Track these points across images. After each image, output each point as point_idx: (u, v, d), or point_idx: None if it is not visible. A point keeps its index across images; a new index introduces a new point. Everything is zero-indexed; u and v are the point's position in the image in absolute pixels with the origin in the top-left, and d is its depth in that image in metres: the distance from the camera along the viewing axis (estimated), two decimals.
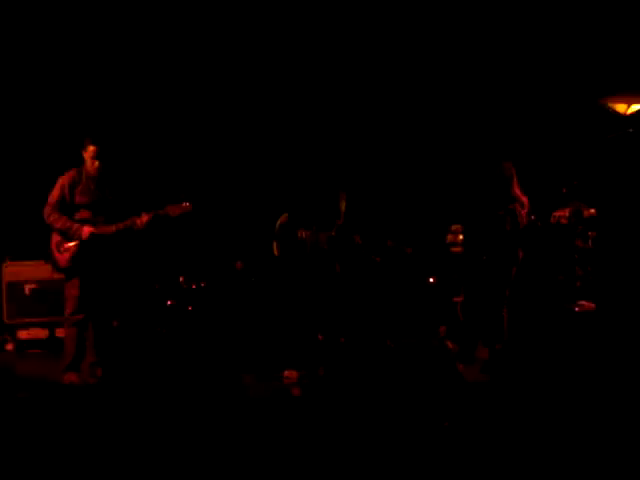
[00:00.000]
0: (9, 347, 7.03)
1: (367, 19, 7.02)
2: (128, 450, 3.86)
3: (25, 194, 6.89)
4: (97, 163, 5.52)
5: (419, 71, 7.44)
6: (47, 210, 5.49)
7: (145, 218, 5.52)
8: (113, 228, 5.53)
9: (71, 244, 5.49)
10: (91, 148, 5.53)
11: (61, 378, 5.55)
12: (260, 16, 6.94)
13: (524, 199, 6.25)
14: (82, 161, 5.61)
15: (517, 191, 6.27)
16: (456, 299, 7.50)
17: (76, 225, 5.46)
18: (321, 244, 6.33)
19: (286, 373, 5.70)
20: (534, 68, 7.07)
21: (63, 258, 5.53)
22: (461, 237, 7.37)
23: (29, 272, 7.00)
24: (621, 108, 6.46)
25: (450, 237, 7.61)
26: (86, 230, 5.46)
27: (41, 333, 7.00)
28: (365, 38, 7.21)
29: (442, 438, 4.06)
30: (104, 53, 7.05)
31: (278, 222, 6.60)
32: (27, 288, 6.99)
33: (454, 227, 7.59)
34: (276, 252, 6.56)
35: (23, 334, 6.96)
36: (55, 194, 5.50)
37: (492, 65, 7.24)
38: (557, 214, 6.02)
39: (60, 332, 6.93)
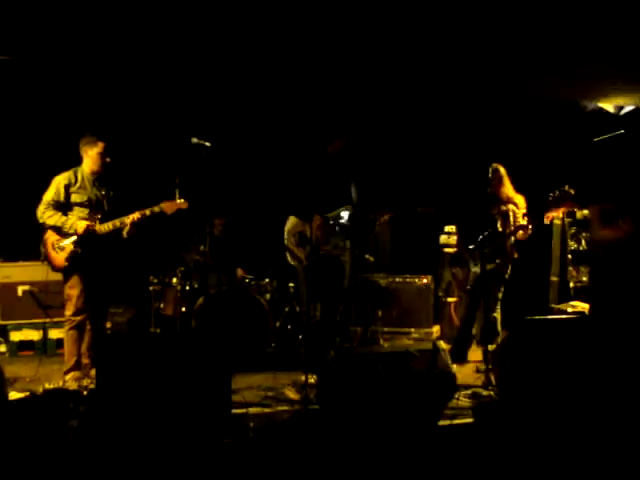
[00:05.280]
0: (1, 349, 6.98)
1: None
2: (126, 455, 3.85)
3: (18, 195, 6.82)
4: (107, 159, 5.55)
5: (414, 69, 7.42)
6: (41, 208, 5.42)
7: (138, 215, 5.50)
8: (110, 226, 5.50)
9: (67, 242, 5.45)
10: (100, 144, 5.53)
11: (63, 380, 5.53)
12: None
13: (519, 199, 6.29)
14: (77, 161, 5.59)
15: (510, 192, 6.30)
16: (449, 299, 7.54)
17: (71, 220, 5.41)
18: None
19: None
20: (526, 68, 7.08)
21: (59, 258, 5.50)
22: (455, 238, 7.40)
23: (22, 273, 6.96)
24: (613, 109, 6.52)
25: (444, 238, 7.66)
26: (82, 224, 5.40)
27: (34, 335, 6.94)
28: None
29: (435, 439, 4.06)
30: (95, 53, 6.98)
31: (286, 228, 6.18)
32: (20, 289, 6.95)
33: (448, 228, 7.63)
34: (293, 260, 6.14)
35: (16, 336, 6.90)
36: (50, 193, 5.45)
37: (484, 66, 7.24)
38: (550, 214, 6.03)
39: (53, 334, 6.95)
